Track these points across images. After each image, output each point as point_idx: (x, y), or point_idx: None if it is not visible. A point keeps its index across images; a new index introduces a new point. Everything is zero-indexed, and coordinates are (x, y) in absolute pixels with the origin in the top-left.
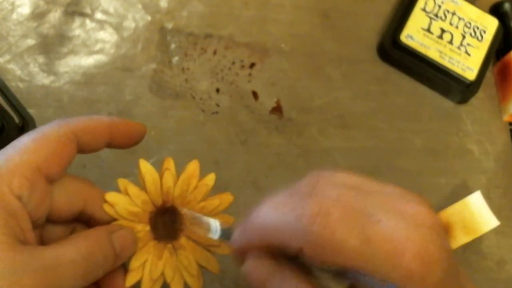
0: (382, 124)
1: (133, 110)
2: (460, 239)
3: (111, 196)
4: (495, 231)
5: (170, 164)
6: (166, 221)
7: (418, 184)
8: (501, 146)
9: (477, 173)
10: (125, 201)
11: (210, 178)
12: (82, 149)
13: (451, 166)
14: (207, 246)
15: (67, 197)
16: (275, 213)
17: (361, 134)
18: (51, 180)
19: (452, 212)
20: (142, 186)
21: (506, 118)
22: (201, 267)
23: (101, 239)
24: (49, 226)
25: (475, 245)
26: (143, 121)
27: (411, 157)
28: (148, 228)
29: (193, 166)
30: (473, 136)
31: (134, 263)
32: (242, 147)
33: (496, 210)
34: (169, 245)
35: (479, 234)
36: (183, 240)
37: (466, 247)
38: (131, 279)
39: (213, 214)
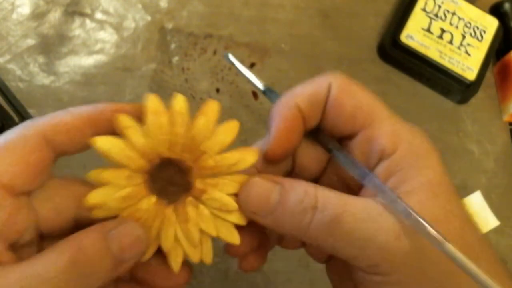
0: None
1: None
2: None
3: (103, 140)
4: (495, 231)
5: (181, 104)
6: (170, 176)
7: None
8: (501, 146)
9: (477, 173)
10: (121, 146)
11: (234, 125)
12: (62, 151)
13: (451, 166)
14: (221, 212)
15: (53, 205)
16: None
17: None
18: (24, 193)
19: None
20: (145, 129)
21: (506, 118)
22: (212, 237)
23: (88, 242)
24: (49, 241)
25: None
26: None
27: None
28: (153, 199)
29: (212, 107)
30: (473, 136)
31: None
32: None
33: (496, 210)
34: (170, 207)
35: None
36: (198, 189)
37: None
38: None
39: (227, 173)
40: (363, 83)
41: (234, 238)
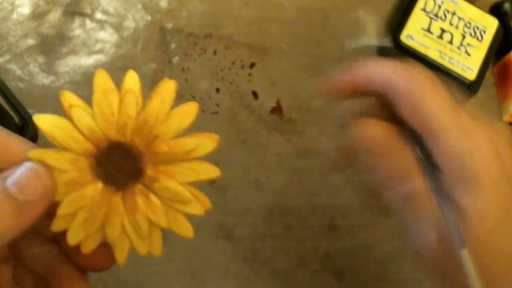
0: None
1: None
2: None
3: (43, 118)
4: None
5: (133, 81)
6: (120, 161)
7: None
8: None
9: None
10: (63, 124)
11: (193, 107)
12: None
13: None
14: (175, 202)
15: None
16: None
17: None
18: None
19: None
20: (91, 109)
21: (506, 118)
22: (162, 229)
23: None
24: None
25: None
26: None
27: None
28: (100, 184)
29: (168, 87)
30: None
31: (65, 208)
32: (242, 147)
33: None
34: (118, 194)
35: None
36: (149, 176)
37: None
38: (56, 226)
39: (183, 159)
40: None
41: (187, 230)
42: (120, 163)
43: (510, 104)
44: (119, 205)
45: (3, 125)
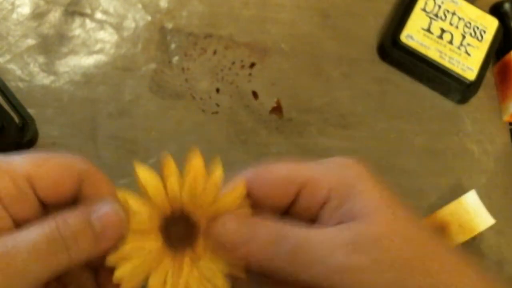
0: (382, 124)
1: (133, 110)
2: (456, 238)
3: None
4: (495, 231)
5: (171, 167)
6: (179, 231)
7: (418, 184)
8: (501, 146)
9: (477, 173)
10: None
11: (218, 176)
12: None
13: (451, 166)
14: (208, 282)
15: (53, 181)
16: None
17: (361, 134)
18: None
19: (448, 211)
20: (144, 196)
21: (506, 118)
22: (226, 275)
23: (71, 216)
24: None
25: (475, 245)
26: (143, 121)
27: (411, 157)
28: (160, 242)
29: (196, 161)
30: (473, 136)
31: (153, 282)
32: (242, 147)
33: (496, 210)
34: (187, 258)
35: (475, 233)
36: (200, 249)
37: (465, 247)
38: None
39: (230, 211)
40: (363, 83)
41: (240, 270)
42: (181, 231)
43: (510, 104)
44: (169, 264)
45: (3, 125)
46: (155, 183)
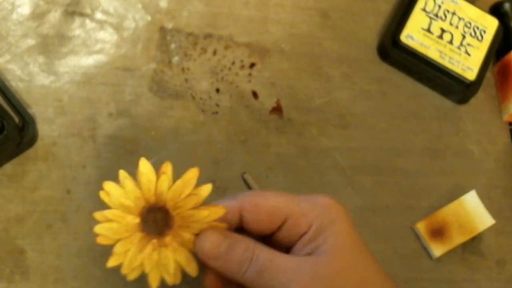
0: (382, 124)
1: (133, 110)
2: (456, 238)
3: (108, 186)
4: (495, 231)
5: (167, 168)
6: (157, 218)
7: (418, 184)
8: (501, 146)
9: (477, 173)
10: (119, 193)
11: (205, 189)
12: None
13: (451, 166)
14: (192, 249)
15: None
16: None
17: (361, 134)
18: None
19: (448, 211)
20: (138, 183)
21: (506, 118)
22: (180, 268)
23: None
24: None
25: (475, 245)
26: (143, 121)
27: (411, 157)
28: (137, 220)
29: (191, 175)
30: (473, 136)
31: (118, 248)
32: (242, 147)
33: (496, 210)
34: (154, 241)
35: (475, 233)
36: (168, 239)
37: (465, 247)
38: (112, 262)
39: (201, 223)
40: (363, 83)
41: (193, 270)
42: (157, 219)
43: (510, 104)
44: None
45: (3, 125)
46: (149, 177)
